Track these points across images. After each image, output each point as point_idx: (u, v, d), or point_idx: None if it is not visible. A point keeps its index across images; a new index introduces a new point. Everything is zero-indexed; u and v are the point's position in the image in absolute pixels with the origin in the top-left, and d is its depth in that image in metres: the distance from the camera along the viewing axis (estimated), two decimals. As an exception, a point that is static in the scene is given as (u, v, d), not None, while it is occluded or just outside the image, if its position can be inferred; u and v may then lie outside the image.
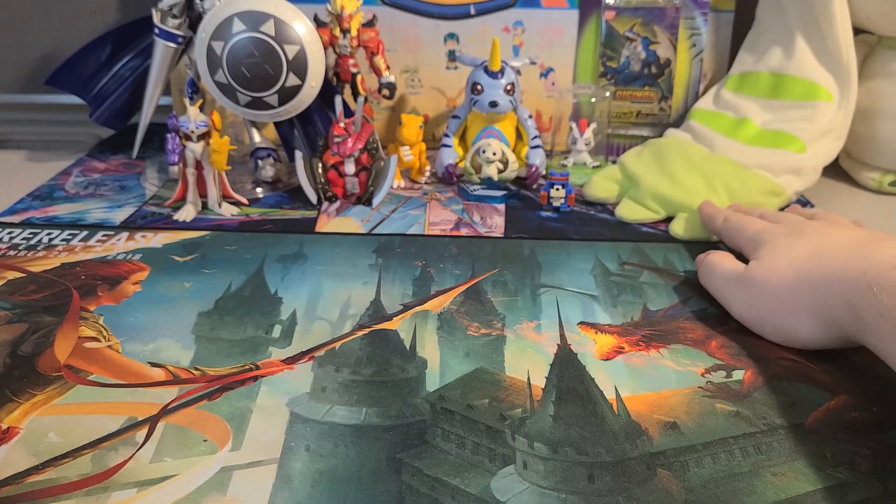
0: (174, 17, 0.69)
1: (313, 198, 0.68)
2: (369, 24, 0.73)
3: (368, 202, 0.68)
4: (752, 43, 0.76)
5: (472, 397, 0.43)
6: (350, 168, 0.68)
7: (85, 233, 0.63)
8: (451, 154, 0.73)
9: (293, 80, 0.66)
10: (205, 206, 0.67)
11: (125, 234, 0.62)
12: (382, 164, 0.69)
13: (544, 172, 0.72)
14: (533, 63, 0.78)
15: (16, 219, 0.66)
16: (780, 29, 0.73)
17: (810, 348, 0.47)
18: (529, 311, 0.52)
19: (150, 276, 0.56)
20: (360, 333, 0.49)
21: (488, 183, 0.72)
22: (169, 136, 0.65)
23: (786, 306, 0.47)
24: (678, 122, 0.78)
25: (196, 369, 0.45)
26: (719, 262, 0.53)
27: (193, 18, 0.69)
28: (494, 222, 0.66)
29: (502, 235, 0.63)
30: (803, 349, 0.47)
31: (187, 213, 0.65)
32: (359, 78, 0.73)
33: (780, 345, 0.47)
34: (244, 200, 0.68)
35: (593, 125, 0.75)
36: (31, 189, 0.72)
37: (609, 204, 0.69)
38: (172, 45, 0.70)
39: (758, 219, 0.55)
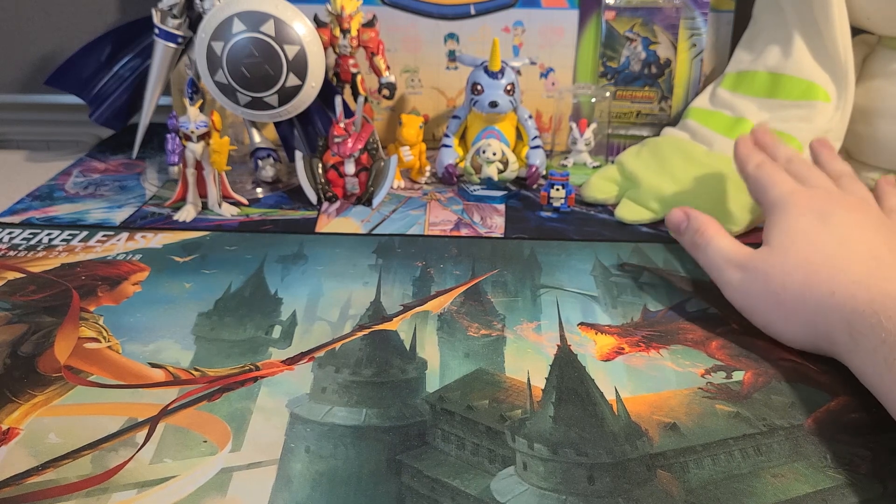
0: (174, 17, 0.69)
1: (313, 198, 0.68)
2: (369, 24, 0.73)
3: (368, 202, 0.68)
4: (749, 42, 0.76)
5: (472, 398, 0.43)
6: (350, 168, 0.68)
7: (85, 233, 0.63)
8: (451, 154, 0.73)
9: (293, 81, 0.66)
10: (205, 206, 0.67)
11: (125, 235, 0.62)
12: (382, 164, 0.69)
13: (544, 172, 0.72)
14: (533, 63, 0.78)
15: (16, 219, 0.66)
16: (777, 28, 0.73)
17: (787, 346, 0.47)
18: (529, 312, 0.52)
19: (150, 277, 0.56)
20: (360, 334, 0.49)
21: (488, 183, 0.72)
22: (169, 136, 0.65)
23: (783, 309, 0.47)
24: (677, 122, 0.78)
25: (196, 370, 0.45)
26: (718, 238, 0.52)
27: (193, 18, 0.69)
28: (494, 222, 0.66)
29: (502, 236, 0.63)
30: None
31: (187, 214, 0.65)
32: (359, 78, 0.73)
33: (780, 346, 0.48)
34: (244, 201, 0.68)
35: (593, 125, 0.75)
36: (31, 189, 0.72)
37: (608, 205, 0.69)
38: (172, 45, 0.70)
39: (786, 176, 0.53)
